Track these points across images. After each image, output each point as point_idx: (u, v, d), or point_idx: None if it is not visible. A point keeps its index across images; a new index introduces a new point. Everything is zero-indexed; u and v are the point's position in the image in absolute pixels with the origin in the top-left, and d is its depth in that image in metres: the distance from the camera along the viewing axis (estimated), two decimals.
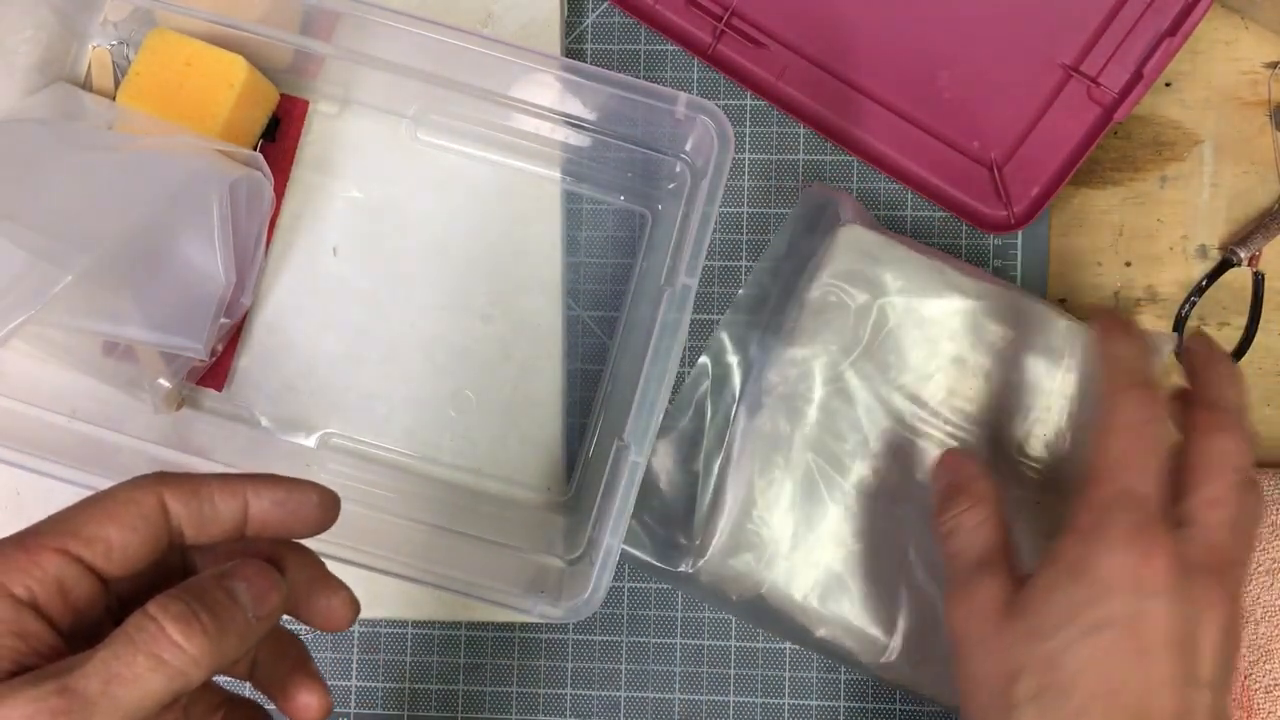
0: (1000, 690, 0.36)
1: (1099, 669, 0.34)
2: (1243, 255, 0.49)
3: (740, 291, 0.50)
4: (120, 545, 0.31)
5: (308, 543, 0.36)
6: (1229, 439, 0.38)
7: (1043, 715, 0.35)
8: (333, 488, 0.47)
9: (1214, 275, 0.49)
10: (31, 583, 0.30)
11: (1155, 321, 0.50)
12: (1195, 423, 0.38)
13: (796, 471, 0.46)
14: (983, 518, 0.40)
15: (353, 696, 0.51)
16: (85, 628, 0.31)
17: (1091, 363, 0.45)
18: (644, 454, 0.41)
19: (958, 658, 0.38)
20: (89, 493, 0.41)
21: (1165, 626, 0.34)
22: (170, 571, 0.33)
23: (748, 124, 0.51)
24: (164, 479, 0.32)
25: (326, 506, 0.35)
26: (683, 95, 0.42)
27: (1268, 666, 0.45)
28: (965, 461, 0.43)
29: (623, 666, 0.50)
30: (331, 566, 0.38)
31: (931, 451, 0.46)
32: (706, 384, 0.49)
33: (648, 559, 0.49)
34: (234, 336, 0.49)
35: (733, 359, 0.49)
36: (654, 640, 0.50)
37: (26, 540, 0.30)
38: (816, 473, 0.46)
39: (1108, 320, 0.40)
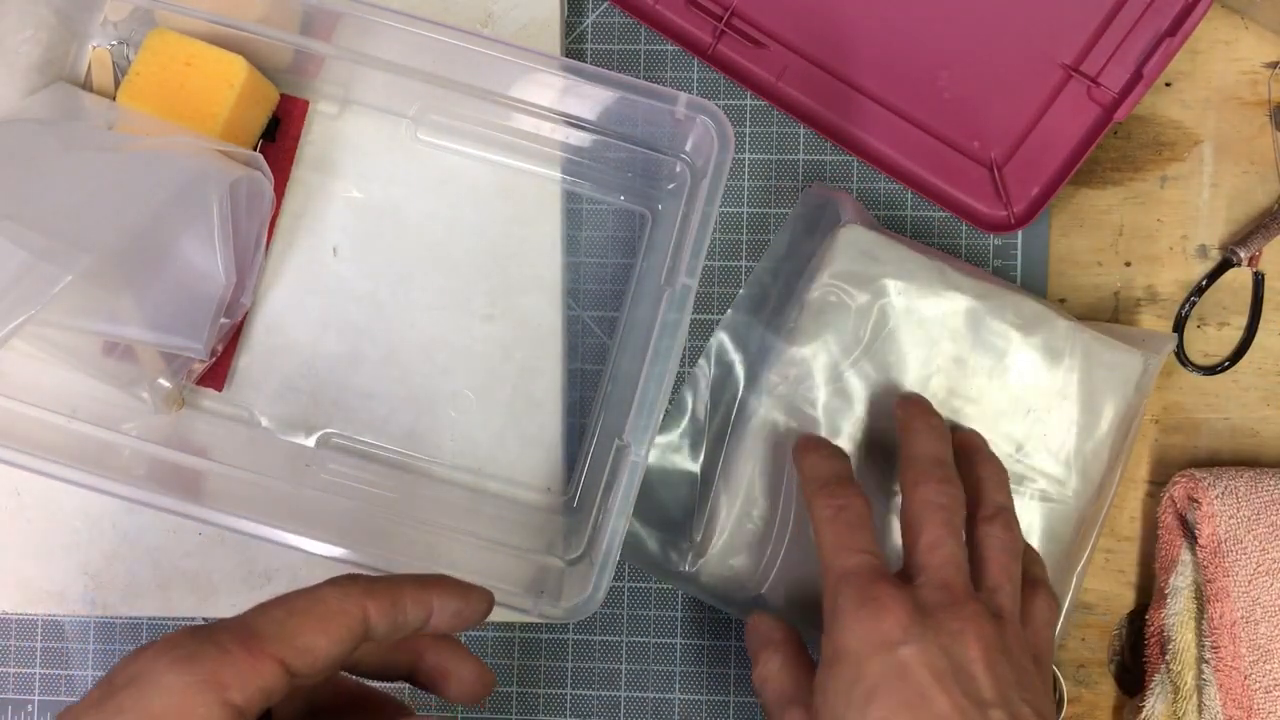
0: None
1: None
2: (1243, 255, 0.49)
3: (740, 291, 0.50)
4: (326, 655, 0.32)
5: (307, 545, 0.36)
6: (929, 489, 0.40)
7: None
8: (333, 488, 0.48)
9: (1214, 275, 0.49)
10: (250, 690, 0.30)
11: (1155, 321, 0.50)
12: (902, 482, 0.41)
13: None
14: (780, 663, 0.41)
15: None
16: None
17: (1085, 370, 0.45)
18: (644, 454, 0.41)
19: None
20: (89, 493, 0.41)
21: (925, 665, 0.36)
22: None
23: (748, 124, 0.51)
24: (369, 590, 0.34)
25: (488, 611, 0.37)
26: (683, 95, 0.42)
27: (1268, 666, 0.45)
28: (761, 620, 0.43)
29: (623, 666, 0.50)
30: (331, 566, 0.38)
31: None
32: (707, 384, 0.49)
33: (648, 559, 0.49)
34: (234, 336, 0.49)
35: (733, 359, 0.49)
36: (654, 640, 0.50)
37: (249, 641, 0.31)
38: None
39: (801, 439, 0.45)
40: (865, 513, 0.40)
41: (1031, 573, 0.43)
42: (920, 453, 0.42)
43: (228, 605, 0.50)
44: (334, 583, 0.34)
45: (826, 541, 0.40)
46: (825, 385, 0.46)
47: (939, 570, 0.38)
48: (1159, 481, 0.49)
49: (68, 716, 0.30)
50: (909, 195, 0.50)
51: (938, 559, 0.39)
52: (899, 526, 0.45)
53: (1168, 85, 0.50)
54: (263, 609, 0.33)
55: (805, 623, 0.47)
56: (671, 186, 0.49)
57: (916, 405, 0.44)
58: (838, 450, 0.43)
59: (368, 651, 0.36)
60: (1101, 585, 0.50)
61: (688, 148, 0.46)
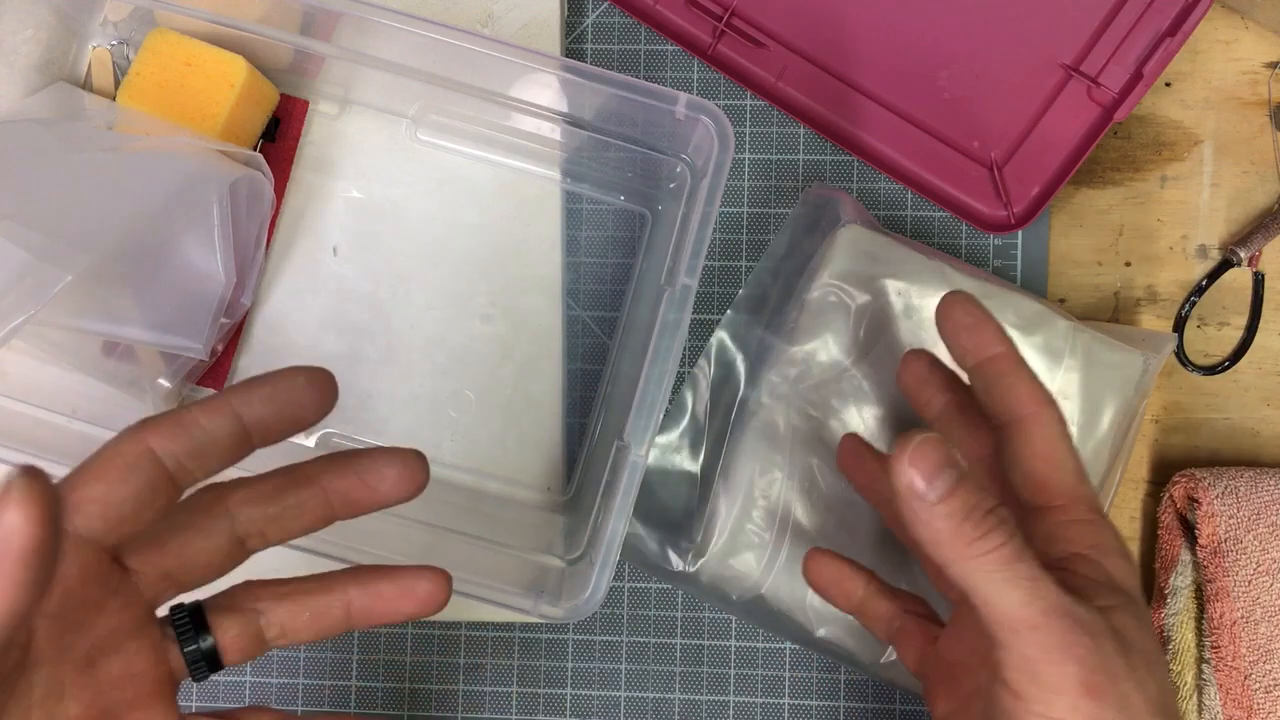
0: None
1: (1165, 692, 0.32)
2: (1243, 255, 0.49)
3: (740, 291, 0.50)
4: (109, 503, 0.29)
5: (305, 543, 0.36)
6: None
7: None
8: None
9: (1214, 275, 0.49)
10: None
11: (1155, 321, 0.50)
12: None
13: (796, 472, 0.46)
14: (1010, 520, 0.33)
15: (353, 696, 0.51)
16: (91, 598, 0.29)
17: (1085, 370, 0.45)
18: (644, 454, 0.41)
19: (1078, 709, 0.31)
20: None
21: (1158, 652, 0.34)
22: (195, 512, 0.32)
23: (748, 124, 0.51)
24: (145, 423, 0.30)
25: (319, 383, 0.32)
26: (683, 95, 0.42)
27: (1268, 666, 0.45)
28: (957, 456, 0.32)
29: (623, 666, 0.50)
30: (331, 566, 0.38)
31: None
32: (706, 384, 0.49)
33: (648, 559, 0.49)
34: (234, 336, 0.49)
35: (733, 359, 0.49)
36: (654, 640, 0.50)
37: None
38: (817, 472, 0.46)
39: (968, 313, 0.37)
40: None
41: None
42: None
43: None
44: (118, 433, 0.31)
45: (1075, 466, 0.35)
46: (825, 385, 0.46)
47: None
48: (1159, 481, 0.49)
49: None
50: (909, 195, 0.50)
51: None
52: (897, 529, 0.45)
53: (1168, 85, 0.50)
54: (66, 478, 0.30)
55: (804, 622, 0.47)
56: (671, 186, 0.49)
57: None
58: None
59: (257, 508, 0.33)
60: None
61: (688, 148, 0.46)
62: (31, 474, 0.24)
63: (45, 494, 0.24)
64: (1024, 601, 0.30)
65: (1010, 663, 0.31)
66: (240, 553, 0.34)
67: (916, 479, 0.30)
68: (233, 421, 0.31)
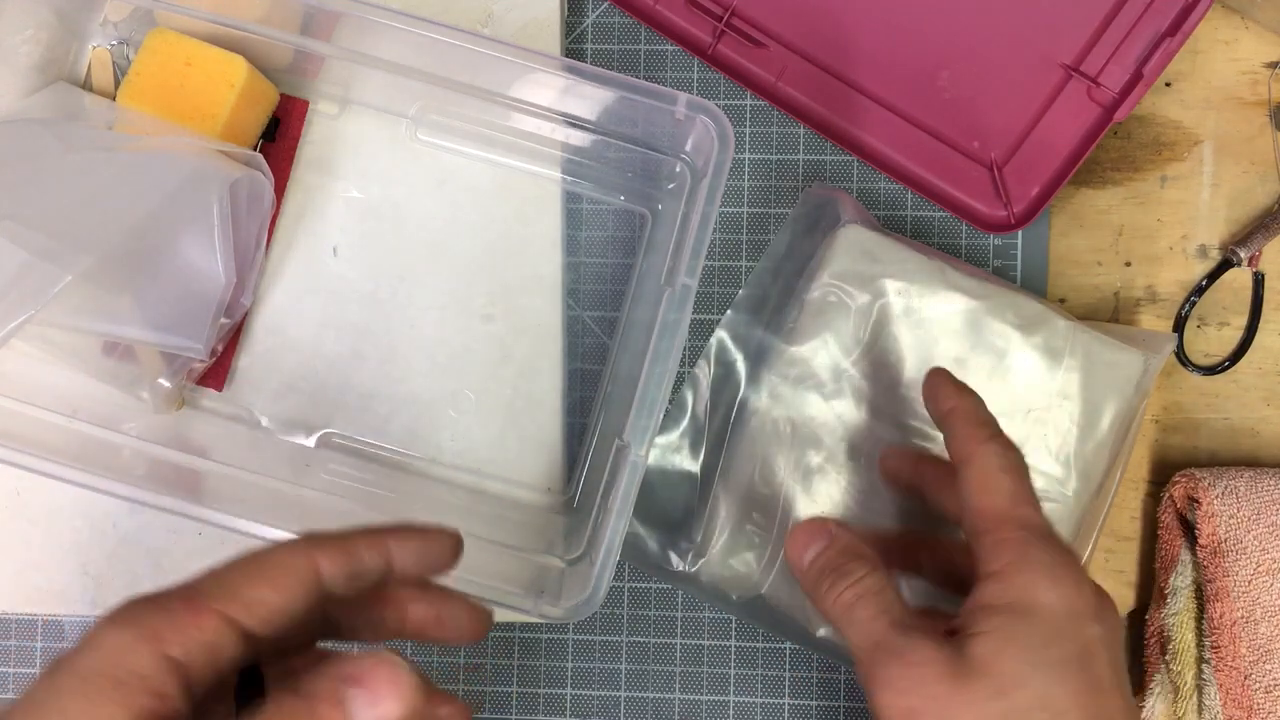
0: None
1: (1076, 708, 0.33)
2: (1243, 255, 0.49)
3: (740, 291, 0.50)
4: (276, 609, 0.32)
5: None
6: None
7: None
8: (333, 488, 0.48)
9: (1214, 275, 0.49)
10: (190, 644, 0.30)
11: (1155, 322, 0.50)
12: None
13: (796, 472, 0.46)
14: (883, 581, 0.37)
15: None
16: (216, 686, 0.31)
17: (1085, 370, 0.45)
18: (644, 454, 0.41)
19: None
20: (89, 493, 0.42)
21: (1105, 654, 0.35)
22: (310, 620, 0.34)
23: (748, 124, 0.51)
24: (316, 542, 0.33)
25: (457, 550, 0.37)
26: (683, 95, 0.42)
27: (1268, 666, 0.45)
28: (832, 529, 0.39)
29: (623, 666, 0.50)
30: None
31: (932, 452, 0.46)
32: (706, 384, 0.49)
33: (648, 559, 0.49)
34: (234, 336, 0.49)
35: (733, 359, 0.49)
36: (654, 640, 0.50)
37: (192, 597, 0.31)
38: (816, 472, 0.46)
39: (939, 380, 0.41)
40: (1025, 463, 0.38)
41: None
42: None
43: None
44: (282, 543, 0.34)
45: (1007, 489, 0.37)
46: (825, 385, 0.46)
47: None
48: (1159, 481, 0.49)
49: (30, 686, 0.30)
50: (909, 195, 0.50)
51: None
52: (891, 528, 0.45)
53: (1168, 85, 0.50)
54: (210, 569, 0.32)
55: (804, 622, 0.47)
56: (671, 186, 0.49)
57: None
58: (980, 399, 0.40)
59: (348, 613, 0.36)
60: (1101, 585, 0.50)
61: (688, 148, 0.46)
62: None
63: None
64: (857, 639, 0.36)
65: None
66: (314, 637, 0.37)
67: (795, 554, 0.39)
68: (385, 561, 0.35)
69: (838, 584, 0.37)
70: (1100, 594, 0.36)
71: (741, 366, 0.49)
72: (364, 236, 0.50)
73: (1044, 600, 0.34)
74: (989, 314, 0.45)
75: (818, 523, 0.39)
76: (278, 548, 0.33)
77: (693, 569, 0.47)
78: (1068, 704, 0.33)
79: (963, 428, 0.39)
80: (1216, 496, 0.46)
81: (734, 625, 0.50)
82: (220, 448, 0.48)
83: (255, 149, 0.48)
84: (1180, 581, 0.47)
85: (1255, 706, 0.45)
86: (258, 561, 0.32)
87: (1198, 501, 0.46)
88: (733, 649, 0.50)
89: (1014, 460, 0.38)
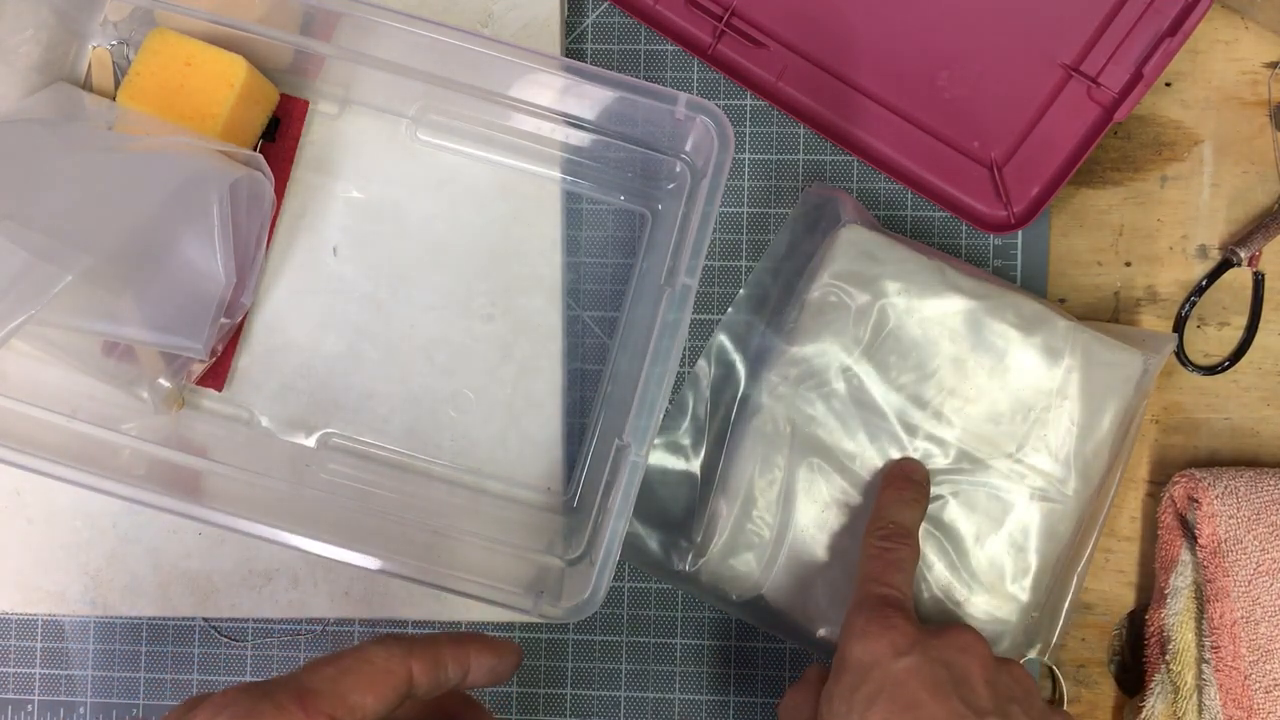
0: None
1: None
2: (1243, 255, 0.49)
3: (740, 291, 0.50)
4: (373, 712, 0.35)
5: (310, 545, 0.36)
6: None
7: None
8: (333, 488, 0.48)
9: (1214, 275, 0.49)
10: None
11: (1155, 322, 0.50)
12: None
13: (797, 471, 0.46)
14: (803, 696, 0.42)
15: None
16: None
17: (1085, 370, 0.45)
18: (644, 454, 0.41)
19: None
20: (89, 493, 0.42)
21: (923, 677, 0.38)
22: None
23: (748, 124, 0.51)
24: (412, 650, 0.36)
25: (519, 663, 0.40)
26: (683, 95, 0.42)
27: (1268, 667, 0.45)
28: (809, 670, 0.44)
29: (623, 666, 0.50)
30: (333, 567, 0.38)
31: (930, 451, 0.46)
32: (707, 384, 0.49)
33: (648, 559, 0.49)
34: (234, 336, 0.49)
35: (733, 359, 0.49)
36: (654, 640, 0.50)
37: (305, 698, 0.34)
38: (817, 472, 0.46)
39: (893, 474, 0.45)
40: (909, 560, 0.43)
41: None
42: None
43: (228, 605, 0.50)
44: (379, 642, 0.37)
45: (864, 572, 0.42)
46: (825, 385, 0.46)
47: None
48: (1159, 481, 0.49)
49: None
50: (909, 195, 0.50)
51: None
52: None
53: (1168, 85, 0.50)
54: (315, 667, 0.35)
55: (804, 622, 0.47)
56: (671, 186, 0.49)
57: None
58: (919, 495, 0.45)
59: (407, 711, 0.39)
60: (1101, 585, 0.50)
61: (688, 148, 0.46)
62: None
63: None
64: None
65: None
66: None
67: None
68: (463, 673, 0.38)
69: (782, 702, 0.43)
70: (926, 635, 0.39)
71: (741, 366, 0.49)
72: (364, 236, 0.50)
73: (853, 655, 0.39)
74: (989, 314, 0.45)
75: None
76: (376, 649, 0.36)
77: (693, 569, 0.47)
78: None
79: (869, 520, 0.44)
80: (1216, 496, 0.46)
81: (734, 625, 0.50)
82: (220, 448, 0.48)
83: (255, 149, 0.48)
84: (1180, 581, 0.47)
85: (1255, 706, 0.45)
86: (359, 664, 0.35)
87: (1198, 501, 0.46)
88: (733, 649, 0.50)
89: (879, 549, 0.43)
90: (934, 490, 0.46)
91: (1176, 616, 0.47)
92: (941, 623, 0.43)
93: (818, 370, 0.46)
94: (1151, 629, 0.48)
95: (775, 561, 0.46)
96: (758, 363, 0.48)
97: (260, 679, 0.51)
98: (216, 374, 0.49)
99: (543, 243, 0.49)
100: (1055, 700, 0.49)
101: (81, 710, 0.51)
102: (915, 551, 0.43)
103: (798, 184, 0.50)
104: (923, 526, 0.45)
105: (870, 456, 0.46)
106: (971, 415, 0.46)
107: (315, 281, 0.50)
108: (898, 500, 0.44)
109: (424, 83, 0.46)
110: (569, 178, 0.50)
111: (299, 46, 0.45)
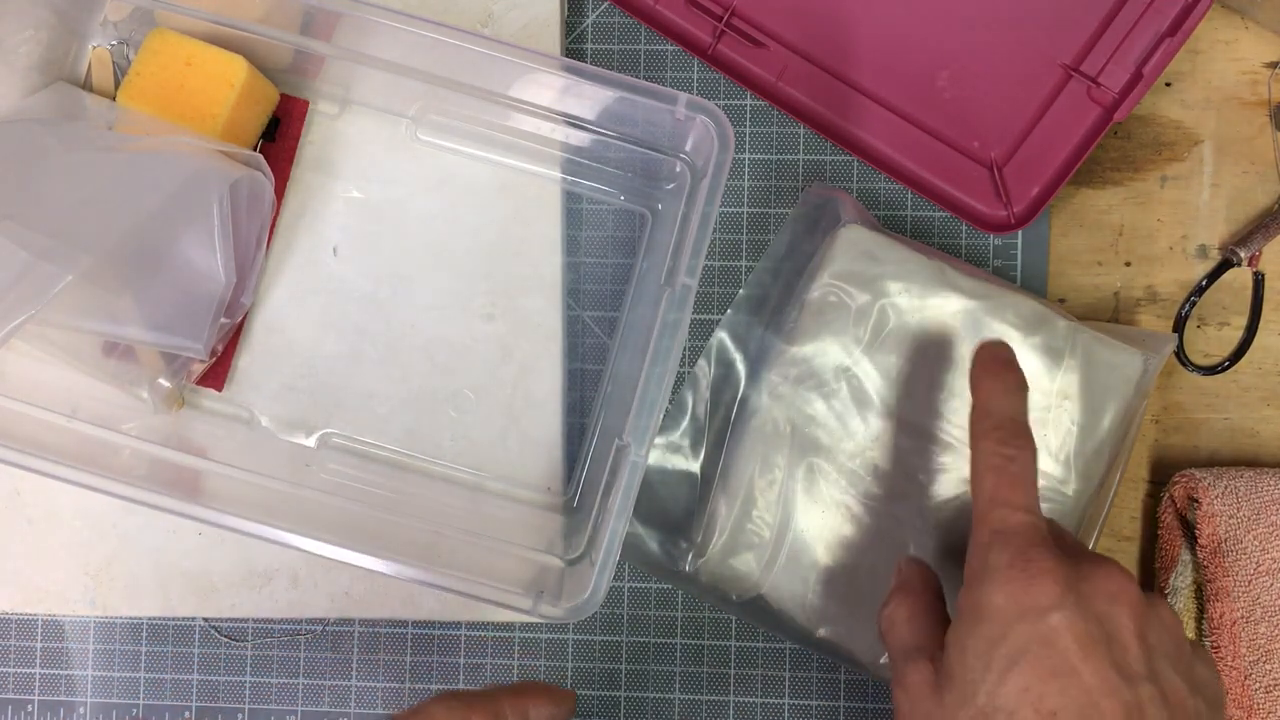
0: None
1: (1031, 700, 0.34)
2: (1243, 255, 0.49)
3: (740, 291, 0.50)
4: None
5: (313, 546, 0.36)
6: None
7: None
8: (333, 487, 0.48)
9: (1214, 275, 0.49)
10: None
11: (1155, 322, 0.50)
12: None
13: (796, 471, 0.46)
14: (910, 611, 0.39)
15: (352, 696, 0.51)
16: None
17: (1085, 370, 0.45)
18: (644, 454, 0.41)
19: None
20: (89, 493, 0.42)
21: (1074, 635, 0.34)
22: None
23: (748, 124, 0.51)
24: (471, 704, 0.37)
25: (573, 710, 0.41)
26: (683, 95, 0.42)
27: (1268, 666, 0.45)
28: (908, 563, 0.42)
29: (623, 666, 0.50)
30: (333, 567, 0.38)
31: (932, 451, 0.46)
32: (707, 384, 0.49)
33: (648, 559, 0.49)
34: (234, 336, 0.49)
35: (733, 359, 0.49)
36: (654, 640, 0.50)
37: None
38: (817, 472, 0.46)
39: (986, 359, 0.41)
40: (1033, 466, 0.38)
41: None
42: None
43: (228, 605, 0.50)
44: (439, 701, 0.37)
45: (986, 491, 0.38)
46: (826, 385, 0.46)
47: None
48: (1159, 481, 0.49)
49: None
50: (909, 195, 0.50)
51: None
52: (897, 529, 0.45)
53: (1168, 85, 0.50)
54: None
55: (804, 622, 0.47)
56: (671, 186, 0.49)
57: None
58: (1020, 380, 0.40)
59: None
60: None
61: (688, 148, 0.46)
62: None
63: None
64: (890, 664, 0.40)
65: None
66: None
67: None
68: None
69: (882, 609, 0.40)
70: (1079, 580, 0.35)
71: (741, 366, 0.49)
72: (364, 236, 0.50)
73: (992, 603, 0.35)
74: (989, 314, 0.45)
75: (905, 559, 0.42)
76: (439, 710, 0.37)
77: (693, 569, 0.47)
78: (1015, 701, 0.34)
79: (973, 416, 0.40)
80: (1216, 496, 0.46)
81: (734, 625, 0.50)
82: (220, 448, 0.48)
83: (255, 149, 0.48)
84: (1180, 581, 0.47)
85: (1255, 706, 0.45)
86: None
87: (1198, 501, 0.46)
88: (733, 649, 0.50)
89: (1000, 458, 0.38)
90: (934, 490, 0.46)
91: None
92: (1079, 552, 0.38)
93: (818, 370, 0.46)
94: None
95: (775, 561, 0.46)
96: (758, 363, 0.48)
97: (261, 684, 0.51)
98: (216, 374, 0.49)
99: (543, 243, 0.49)
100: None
101: (81, 710, 0.51)
102: (1035, 454, 0.38)
103: (798, 184, 0.50)
104: (923, 527, 0.45)
105: (871, 456, 0.46)
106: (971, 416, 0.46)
107: (315, 281, 0.50)
108: (1004, 389, 0.39)
109: (424, 83, 0.46)
110: (569, 178, 0.50)
111: (299, 46, 0.45)
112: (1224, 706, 0.39)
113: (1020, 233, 0.50)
